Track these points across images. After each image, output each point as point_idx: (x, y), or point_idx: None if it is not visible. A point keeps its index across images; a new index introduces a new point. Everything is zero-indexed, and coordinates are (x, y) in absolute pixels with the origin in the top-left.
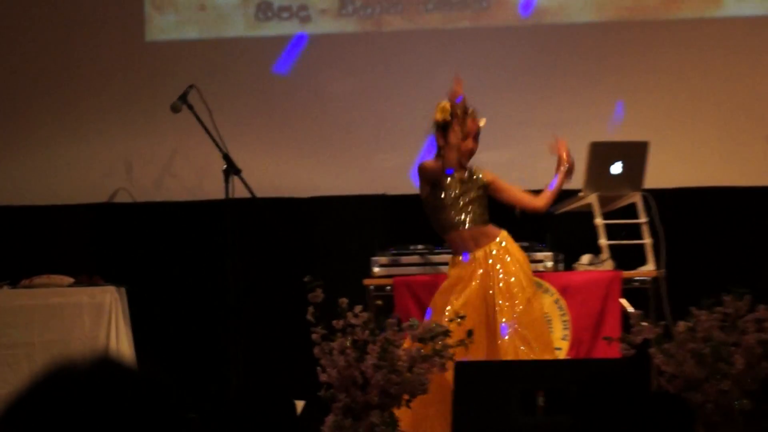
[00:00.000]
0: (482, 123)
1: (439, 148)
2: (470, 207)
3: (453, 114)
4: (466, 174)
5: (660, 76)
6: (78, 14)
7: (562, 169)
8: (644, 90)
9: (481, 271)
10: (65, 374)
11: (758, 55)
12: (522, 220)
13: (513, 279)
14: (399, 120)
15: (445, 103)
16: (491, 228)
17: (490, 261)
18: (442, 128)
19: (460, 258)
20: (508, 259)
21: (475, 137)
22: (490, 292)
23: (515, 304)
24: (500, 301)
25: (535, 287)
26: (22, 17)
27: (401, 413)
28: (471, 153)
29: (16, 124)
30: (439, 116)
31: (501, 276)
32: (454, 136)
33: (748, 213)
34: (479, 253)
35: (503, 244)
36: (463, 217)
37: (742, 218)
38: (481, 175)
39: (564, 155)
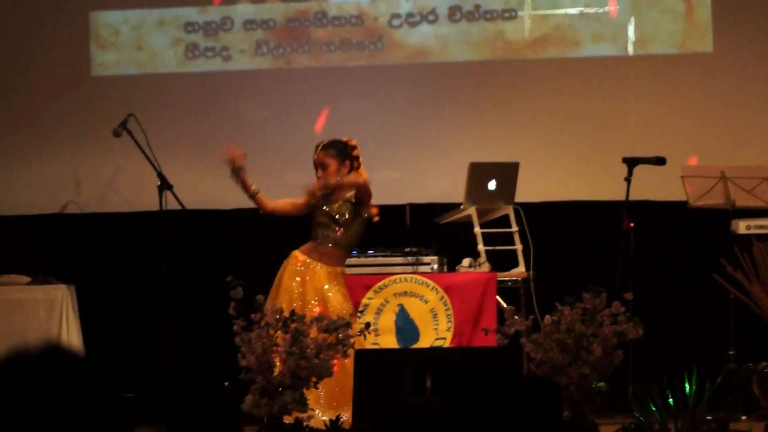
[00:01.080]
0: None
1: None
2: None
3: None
4: (347, 196)
5: (529, 106)
6: (32, 50)
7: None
8: (515, 117)
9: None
10: (22, 359)
11: (610, 88)
12: (411, 228)
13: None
14: (304, 143)
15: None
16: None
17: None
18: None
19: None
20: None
21: (316, 168)
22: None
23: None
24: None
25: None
26: None
27: (309, 393)
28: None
29: None
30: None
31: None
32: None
33: (602, 222)
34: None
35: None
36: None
37: (597, 227)
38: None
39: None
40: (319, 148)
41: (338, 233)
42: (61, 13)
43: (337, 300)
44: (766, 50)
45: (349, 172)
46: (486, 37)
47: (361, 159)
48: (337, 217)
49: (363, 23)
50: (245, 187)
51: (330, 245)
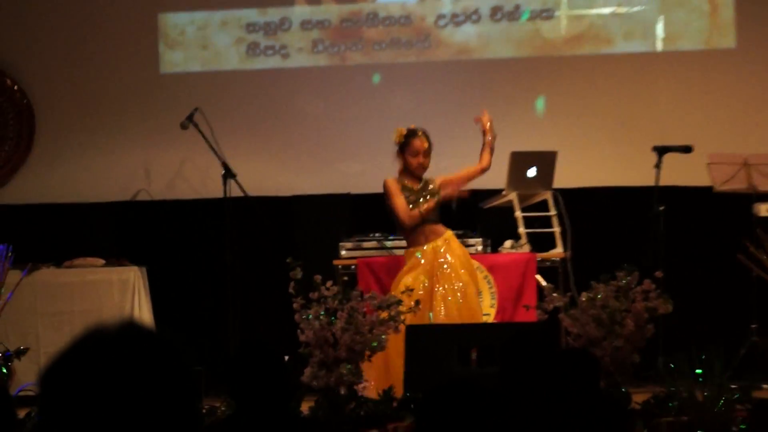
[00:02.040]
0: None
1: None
2: None
3: (407, 136)
4: (420, 185)
5: (565, 99)
6: (106, 50)
7: (488, 138)
8: (553, 109)
9: (423, 261)
10: (99, 336)
11: (641, 83)
12: (458, 214)
13: (450, 270)
14: (359, 134)
15: (401, 129)
16: (439, 227)
17: (436, 254)
18: (399, 148)
19: (413, 250)
20: (449, 256)
21: (425, 154)
22: (433, 278)
23: (452, 290)
24: (437, 287)
25: (472, 276)
26: (65, 57)
27: (364, 366)
28: (421, 167)
29: (63, 140)
30: (395, 138)
31: (443, 267)
32: (410, 159)
33: (634, 207)
34: (428, 247)
35: (447, 241)
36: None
37: (630, 211)
38: (431, 185)
39: (487, 126)
40: (422, 132)
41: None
42: (132, 14)
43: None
44: None
45: None
46: (526, 36)
47: None
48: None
49: (411, 23)
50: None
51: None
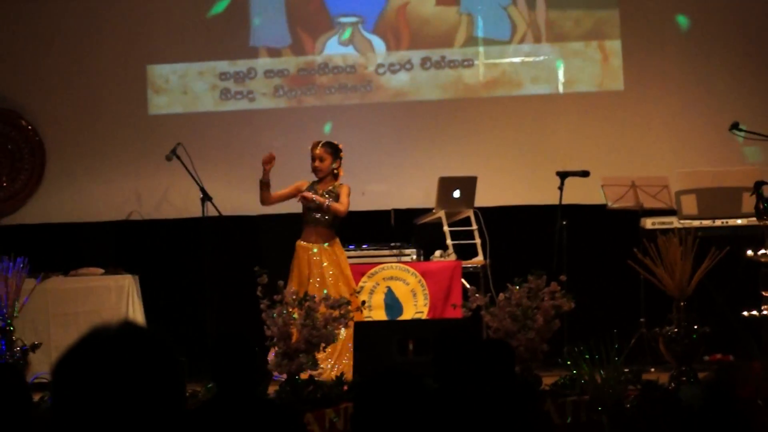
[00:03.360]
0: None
1: None
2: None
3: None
4: (329, 188)
5: (484, 133)
6: (102, 95)
7: (325, 205)
8: (474, 141)
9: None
10: (101, 332)
11: (546, 118)
12: (396, 228)
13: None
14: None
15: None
16: (328, 231)
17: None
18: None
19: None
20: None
21: (319, 159)
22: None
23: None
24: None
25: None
26: (70, 101)
27: (319, 355)
28: (316, 170)
29: (68, 171)
30: None
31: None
32: None
33: (542, 222)
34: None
35: (326, 245)
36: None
37: (538, 225)
38: (333, 187)
39: (316, 202)
40: (320, 144)
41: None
42: (125, 66)
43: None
44: (663, 88)
45: (336, 170)
46: (450, 81)
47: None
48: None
49: (356, 71)
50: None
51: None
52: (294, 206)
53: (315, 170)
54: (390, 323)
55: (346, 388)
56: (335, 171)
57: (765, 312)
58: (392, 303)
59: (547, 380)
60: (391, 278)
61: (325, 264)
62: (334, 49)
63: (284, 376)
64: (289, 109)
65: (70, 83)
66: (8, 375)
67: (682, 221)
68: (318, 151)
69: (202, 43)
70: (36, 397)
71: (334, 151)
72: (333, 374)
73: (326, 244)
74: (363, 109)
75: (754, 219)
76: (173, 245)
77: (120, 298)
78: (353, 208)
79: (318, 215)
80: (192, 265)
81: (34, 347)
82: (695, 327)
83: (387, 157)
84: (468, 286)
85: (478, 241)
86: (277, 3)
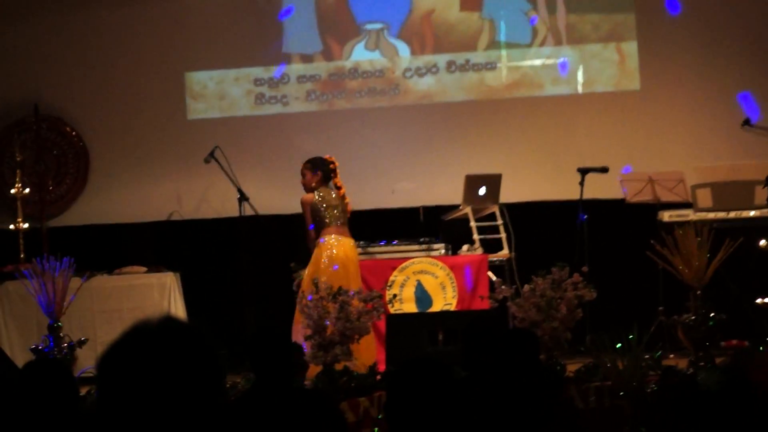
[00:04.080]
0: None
1: None
2: None
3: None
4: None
5: (508, 132)
6: (146, 103)
7: None
8: (498, 141)
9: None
10: (144, 328)
11: (567, 117)
12: (424, 224)
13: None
14: (345, 164)
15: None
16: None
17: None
18: None
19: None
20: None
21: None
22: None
23: None
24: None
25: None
26: (112, 108)
27: (353, 347)
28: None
29: (111, 174)
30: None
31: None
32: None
33: (564, 216)
34: None
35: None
36: None
37: (561, 219)
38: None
39: None
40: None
41: None
42: (164, 74)
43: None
44: (678, 87)
45: (323, 180)
46: (474, 83)
47: (338, 171)
48: None
49: (384, 75)
50: None
51: None
52: None
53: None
54: (420, 315)
55: (378, 377)
56: (312, 184)
57: None
58: (422, 296)
59: (571, 367)
60: (421, 272)
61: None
62: (361, 54)
63: (319, 367)
64: (320, 113)
65: (112, 91)
66: (56, 370)
67: (697, 214)
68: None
69: (237, 51)
70: (83, 391)
71: (312, 165)
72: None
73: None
74: (391, 112)
75: (767, 211)
76: (212, 244)
77: (162, 295)
78: (384, 205)
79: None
80: (230, 263)
81: (81, 343)
82: (712, 314)
83: (415, 157)
84: (494, 278)
85: (503, 235)
86: (308, 11)
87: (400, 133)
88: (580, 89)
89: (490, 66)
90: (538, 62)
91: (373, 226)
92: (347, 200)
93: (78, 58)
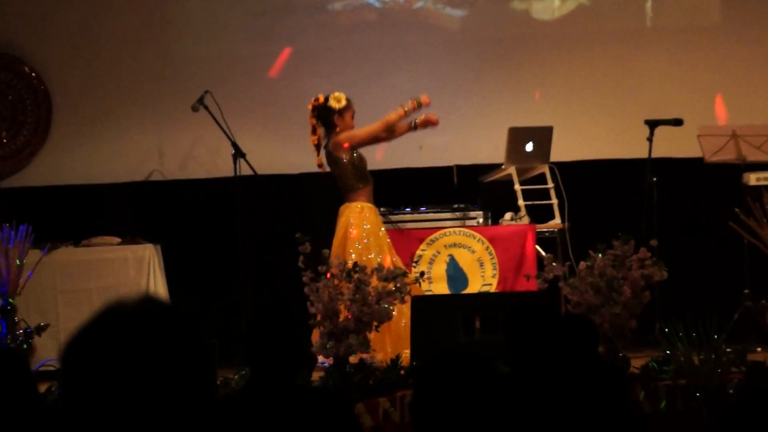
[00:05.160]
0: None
1: (335, 128)
2: None
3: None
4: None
5: (558, 74)
6: (118, 35)
7: (418, 121)
8: (549, 85)
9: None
10: (117, 311)
11: (632, 54)
12: (459, 187)
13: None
14: (363, 112)
15: (339, 94)
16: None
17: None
18: (339, 112)
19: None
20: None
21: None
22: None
23: None
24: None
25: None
26: (79, 43)
27: (372, 336)
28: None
29: (78, 124)
30: (337, 103)
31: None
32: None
33: (629, 178)
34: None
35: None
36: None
37: (624, 182)
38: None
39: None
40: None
41: None
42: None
43: None
44: (764, 21)
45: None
46: (518, 15)
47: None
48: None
49: (410, 4)
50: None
51: None
52: None
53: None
54: (453, 297)
55: (402, 373)
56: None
57: None
58: (455, 274)
59: (637, 362)
60: (454, 245)
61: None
62: None
63: (330, 360)
64: (333, 49)
65: (79, 22)
66: (9, 361)
67: None
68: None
69: None
70: (42, 388)
71: (318, 114)
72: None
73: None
74: (418, 49)
75: None
76: (201, 209)
77: (139, 271)
78: (409, 164)
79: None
80: (223, 233)
81: (40, 329)
82: None
83: (447, 105)
84: (543, 253)
85: (554, 201)
86: None
87: (429, 76)
88: (648, 23)
89: None
90: None
91: (397, 190)
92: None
93: None
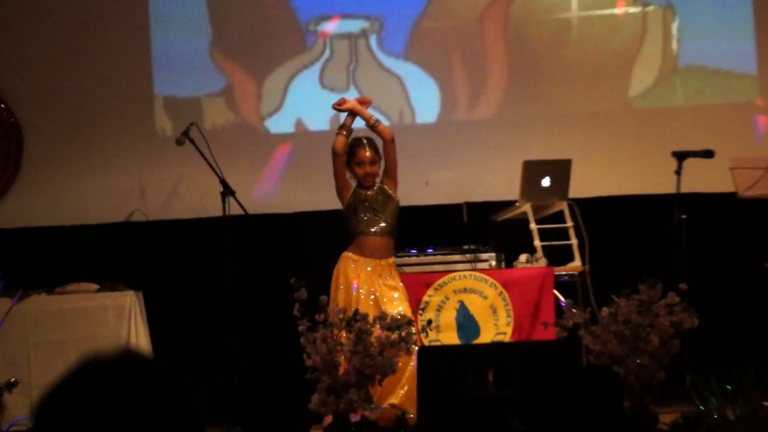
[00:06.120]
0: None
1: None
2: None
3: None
4: (374, 192)
5: (576, 99)
6: (102, 66)
7: (371, 122)
8: (566, 115)
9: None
10: (95, 365)
11: (658, 91)
12: (469, 226)
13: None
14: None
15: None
16: (389, 242)
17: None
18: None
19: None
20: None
21: (371, 162)
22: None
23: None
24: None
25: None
26: (54, 73)
27: (374, 390)
28: (369, 177)
29: (52, 160)
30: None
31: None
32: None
33: (655, 215)
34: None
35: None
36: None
37: (650, 220)
38: (387, 189)
39: (356, 108)
40: (367, 143)
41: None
42: (124, 29)
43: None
44: None
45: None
46: (535, 40)
47: None
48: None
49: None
50: (365, 119)
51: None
52: (334, 204)
53: (368, 177)
54: (463, 348)
55: None
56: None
57: None
58: (466, 322)
59: (666, 418)
60: (465, 290)
61: (382, 281)
62: None
63: (330, 418)
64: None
65: (53, 50)
66: None
67: None
68: (370, 154)
69: None
70: None
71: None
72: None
73: (384, 262)
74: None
75: None
76: (187, 252)
77: (119, 321)
78: (414, 201)
79: (377, 218)
80: (211, 278)
81: (11, 386)
82: None
83: (455, 135)
84: (562, 299)
85: (574, 241)
86: None
87: (434, 105)
88: (674, 45)
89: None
90: (619, 10)
91: (401, 230)
92: None
93: (8, 5)
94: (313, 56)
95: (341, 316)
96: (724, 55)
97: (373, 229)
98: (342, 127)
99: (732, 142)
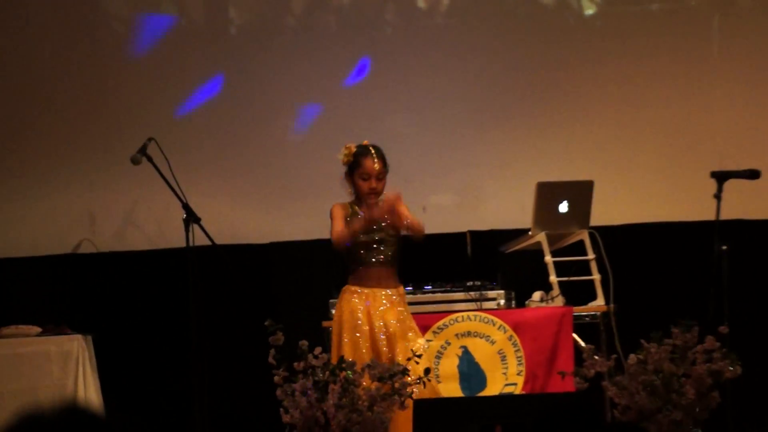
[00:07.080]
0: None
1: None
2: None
3: (356, 155)
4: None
5: (604, 118)
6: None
7: (405, 223)
8: (588, 130)
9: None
10: (34, 423)
11: (694, 83)
12: (473, 259)
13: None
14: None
15: (350, 146)
16: (394, 273)
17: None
18: (348, 169)
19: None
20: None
21: (378, 177)
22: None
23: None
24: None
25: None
26: None
27: None
28: (373, 193)
29: None
30: (343, 157)
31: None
32: (360, 182)
33: (691, 246)
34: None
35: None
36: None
37: (686, 252)
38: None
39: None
40: (376, 155)
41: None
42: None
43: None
44: None
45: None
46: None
47: None
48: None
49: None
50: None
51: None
52: (316, 232)
53: (372, 193)
54: (467, 401)
55: None
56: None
57: None
58: (470, 371)
59: None
60: (468, 334)
61: (393, 320)
62: None
63: None
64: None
65: None
66: None
67: None
68: (378, 166)
69: None
70: None
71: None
72: None
73: (392, 293)
74: (425, 86)
75: None
76: (144, 290)
77: (65, 369)
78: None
79: (382, 248)
80: (172, 320)
81: None
82: None
83: (457, 153)
84: (583, 344)
85: (596, 276)
86: None
87: (432, 117)
88: (715, 48)
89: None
90: (654, 6)
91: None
92: None
93: None
94: None
95: (324, 365)
96: None
97: (374, 259)
98: (351, 226)
99: None
